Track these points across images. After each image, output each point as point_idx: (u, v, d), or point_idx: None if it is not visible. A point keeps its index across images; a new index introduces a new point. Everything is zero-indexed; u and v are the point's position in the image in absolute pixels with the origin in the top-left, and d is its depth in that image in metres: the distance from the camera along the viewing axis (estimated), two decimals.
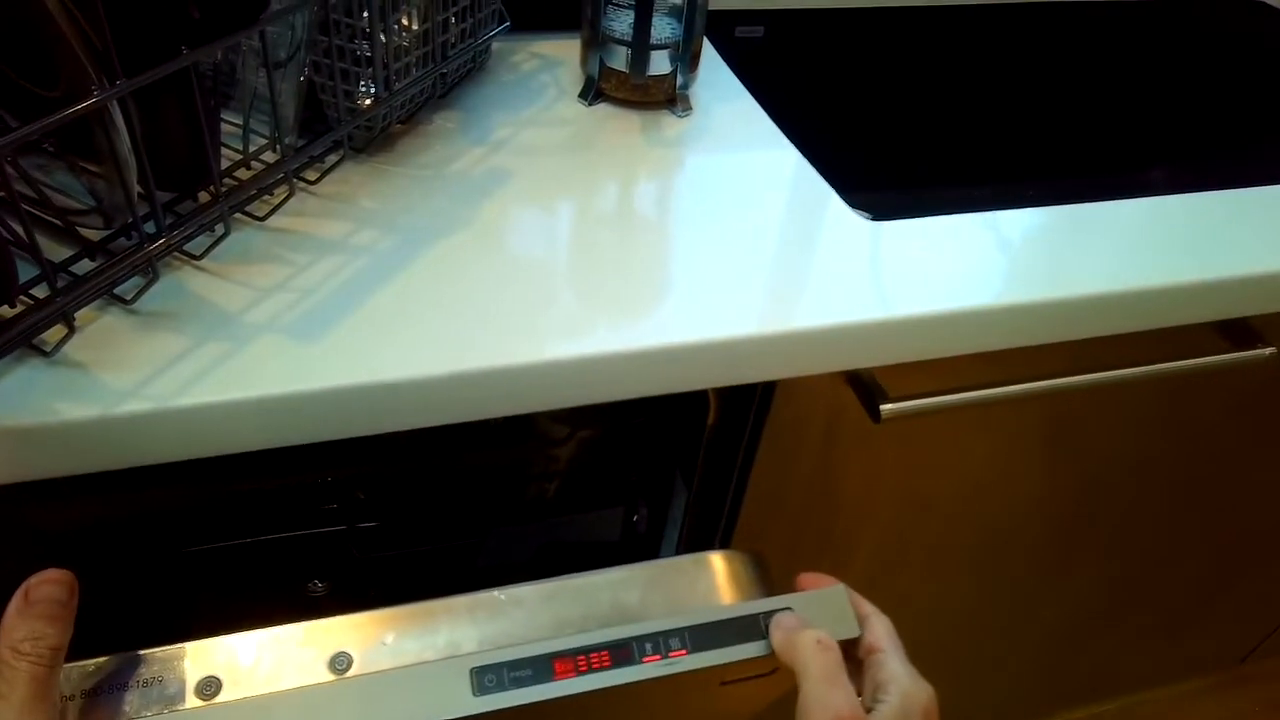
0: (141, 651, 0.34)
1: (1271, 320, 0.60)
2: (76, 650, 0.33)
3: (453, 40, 0.58)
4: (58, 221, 0.42)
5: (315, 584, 0.60)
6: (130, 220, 0.41)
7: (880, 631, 0.37)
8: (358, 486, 0.55)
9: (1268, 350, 0.60)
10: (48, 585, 0.31)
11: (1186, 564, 0.91)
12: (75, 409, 0.37)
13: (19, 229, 0.35)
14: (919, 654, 0.37)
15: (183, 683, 0.34)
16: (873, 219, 0.56)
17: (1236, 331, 0.61)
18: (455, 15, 0.57)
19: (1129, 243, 0.56)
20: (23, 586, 0.31)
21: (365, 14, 0.48)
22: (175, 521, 0.52)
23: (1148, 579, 0.91)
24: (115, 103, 0.36)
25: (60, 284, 0.39)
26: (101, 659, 0.34)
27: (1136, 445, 0.72)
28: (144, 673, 0.34)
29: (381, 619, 0.37)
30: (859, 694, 0.35)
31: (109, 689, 0.33)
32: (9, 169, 0.34)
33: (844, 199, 0.57)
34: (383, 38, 0.50)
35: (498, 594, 0.38)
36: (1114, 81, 1.01)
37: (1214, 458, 0.77)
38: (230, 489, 0.51)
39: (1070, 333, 0.54)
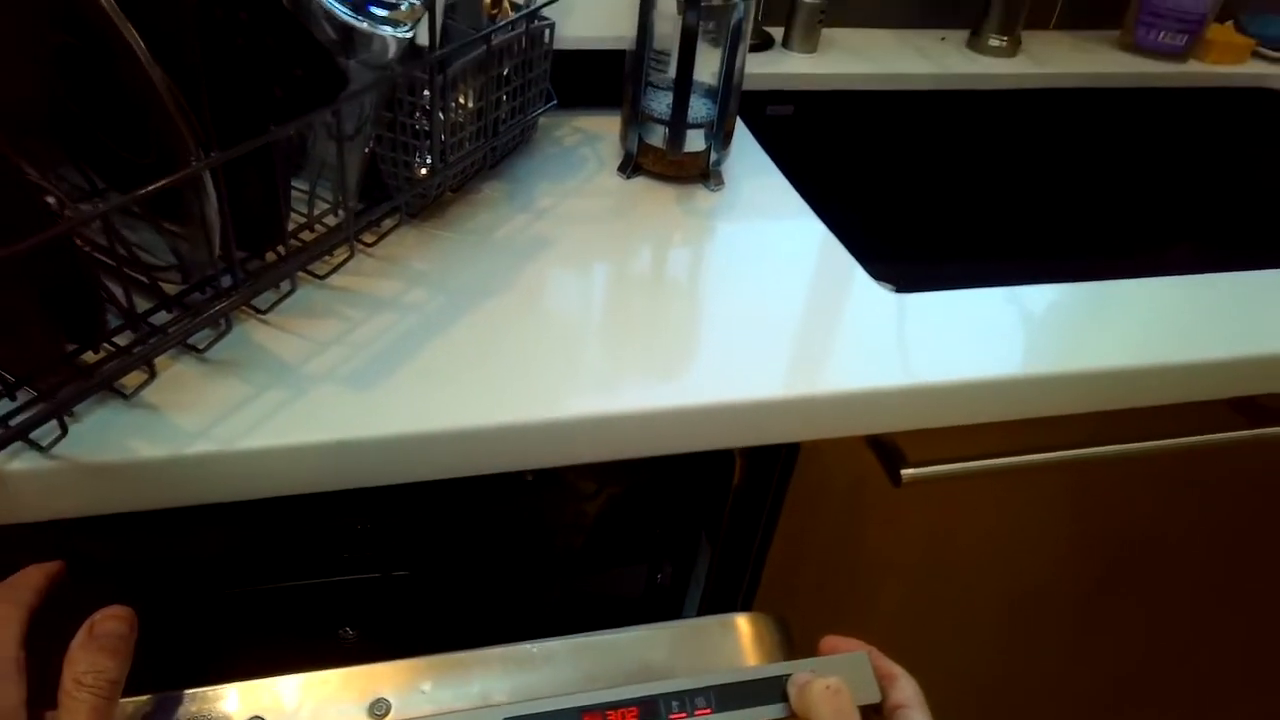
0: (188, 690, 0.36)
1: None
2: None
3: (504, 116, 0.62)
4: (144, 279, 0.45)
5: (346, 631, 0.61)
6: (208, 276, 0.44)
7: (908, 691, 0.37)
8: (392, 535, 0.57)
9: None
10: (111, 621, 0.34)
11: (1219, 637, 0.90)
12: (149, 448, 0.40)
13: (118, 290, 0.38)
14: (938, 717, 0.37)
15: None
16: (896, 290, 0.59)
17: (1253, 409, 0.63)
18: (507, 94, 0.61)
19: (1147, 319, 0.58)
20: (88, 621, 0.33)
21: (427, 93, 0.53)
22: (215, 563, 0.54)
23: (1179, 650, 0.90)
24: (208, 172, 0.40)
25: (141, 333, 0.42)
26: (149, 696, 0.36)
27: (1160, 516, 0.72)
28: (190, 710, 0.36)
29: (420, 667, 0.39)
30: None
31: None
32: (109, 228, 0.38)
33: (868, 270, 0.60)
34: (441, 115, 0.54)
35: (530, 647, 0.40)
36: (1136, 164, 1.04)
37: (1240, 532, 0.77)
38: (271, 533, 0.53)
39: (1088, 405, 0.55)
